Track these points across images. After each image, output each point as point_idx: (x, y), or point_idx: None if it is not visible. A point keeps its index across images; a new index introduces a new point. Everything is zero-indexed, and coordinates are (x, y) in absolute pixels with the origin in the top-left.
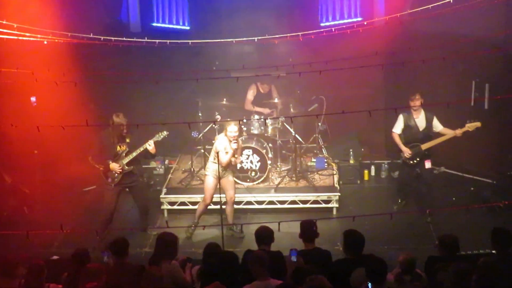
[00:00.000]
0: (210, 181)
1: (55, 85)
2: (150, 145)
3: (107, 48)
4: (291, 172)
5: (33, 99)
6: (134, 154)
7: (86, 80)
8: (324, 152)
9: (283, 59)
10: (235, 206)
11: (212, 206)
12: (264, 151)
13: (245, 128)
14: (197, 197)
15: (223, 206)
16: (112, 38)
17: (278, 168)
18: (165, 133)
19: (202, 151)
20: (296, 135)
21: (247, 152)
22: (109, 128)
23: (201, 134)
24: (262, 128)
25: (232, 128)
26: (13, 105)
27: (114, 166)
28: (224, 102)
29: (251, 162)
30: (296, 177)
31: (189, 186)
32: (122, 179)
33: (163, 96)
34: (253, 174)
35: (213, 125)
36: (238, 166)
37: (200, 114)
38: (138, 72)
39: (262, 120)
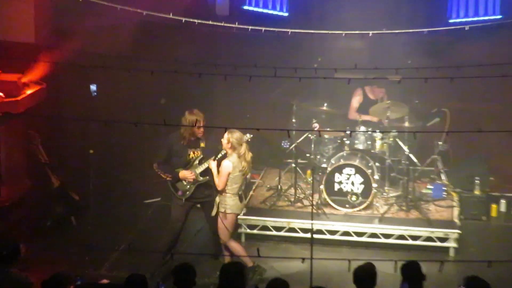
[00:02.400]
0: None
1: (123, 73)
2: (221, 155)
3: (188, 32)
4: (401, 199)
5: (93, 87)
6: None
7: (160, 70)
8: (443, 178)
9: (401, 61)
10: (328, 236)
11: (299, 234)
12: (369, 171)
13: (347, 142)
14: (282, 222)
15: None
16: (196, 20)
17: (385, 194)
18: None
19: (294, 165)
20: (410, 155)
21: (348, 170)
22: (181, 130)
23: (293, 145)
24: (369, 143)
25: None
26: (76, 94)
27: (186, 173)
28: (324, 108)
29: (352, 183)
30: (407, 206)
31: (274, 207)
32: (194, 192)
33: (250, 94)
34: (353, 198)
35: (309, 135)
36: (336, 187)
37: (294, 121)
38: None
39: (370, 133)
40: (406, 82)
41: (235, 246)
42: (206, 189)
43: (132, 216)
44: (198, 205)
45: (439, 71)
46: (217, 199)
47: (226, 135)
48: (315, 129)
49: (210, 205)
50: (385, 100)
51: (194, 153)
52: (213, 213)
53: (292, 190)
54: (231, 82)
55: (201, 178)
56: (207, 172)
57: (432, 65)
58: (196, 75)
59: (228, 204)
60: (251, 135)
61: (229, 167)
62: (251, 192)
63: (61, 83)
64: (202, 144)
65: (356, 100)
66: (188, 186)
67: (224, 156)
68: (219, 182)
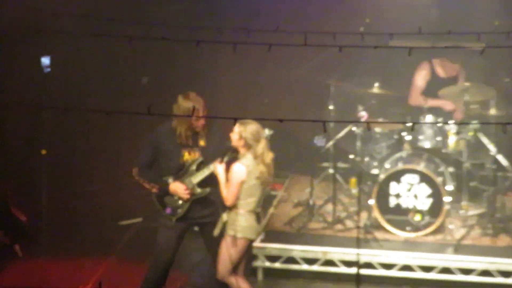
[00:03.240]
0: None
1: (89, 41)
2: (228, 156)
3: None
4: (486, 219)
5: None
6: (212, 168)
7: (142, 37)
8: None
9: (484, 22)
10: (381, 272)
11: (340, 269)
12: (439, 180)
13: (408, 138)
14: (316, 251)
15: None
16: None
17: (462, 211)
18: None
19: (332, 171)
20: (499, 156)
21: (409, 178)
22: (173, 122)
23: (330, 143)
24: (439, 139)
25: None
26: (19, 70)
27: (178, 186)
28: (375, 90)
29: (416, 197)
30: (494, 229)
31: (304, 230)
32: (189, 210)
33: (268, 71)
34: (417, 218)
35: (353, 128)
36: (393, 202)
37: (331, 108)
38: (232, 28)
39: (440, 125)
40: (491, 52)
41: (241, 286)
42: (207, 205)
43: (102, 244)
44: (196, 228)
45: None
46: (225, 216)
47: (236, 128)
48: (362, 119)
49: (213, 227)
50: (461, 79)
51: (190, 154)
52: (216, 232)
53: (329, 207)
54: (243, 54)
55: (200, 190)
56: (209, 181)
57: None
58: (193, 43)
59: (240, 225)
60: (272, 131)
61: (241, 172)
62: (271, 210)
63: None
64: (202, 142)
65: (420, 78)
66: (180, 202)
67: (235, 158)
68: (227, 193)
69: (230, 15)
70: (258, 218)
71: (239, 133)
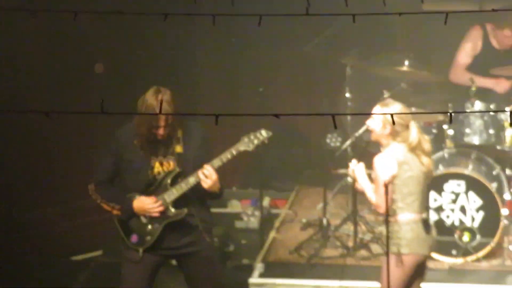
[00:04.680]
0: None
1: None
2: (207, 172)
3: None
4: None
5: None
6: (193, 181)
7: (93, 11)
8: None
9: None
10: None
11: None
12: (493, 186)
13: (451, 132)
14: (334, 286)
15: None
16: None
17: None
18: (263, 134)
19: (351, 180)
20: None
21: (454, 186)
22: (136, 122)
23: (348, 142)
24: (492, 132)
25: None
26: None
27: (143, 201)
28: (405, 68)
29: (462, 210)
30: None
31: (318, 259)
32: (162, 237)
33: (261, 50)
34: (465, 238)
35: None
36: (433, 218)
37: (348, 96)
38: None
39: (492, 113)
40: None
41: None
42: (186, 231)
43: (50, 286)
44: (173, 262)
45: None
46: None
47: (377, 115)
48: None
49: (198, 261)
50: None
51: (162, 165)
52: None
53: (348, 227)
54: (227, 30)
55: (175, 211)
56: (188, 199)
57: None
58: (160, 16)
59: (404, 237)
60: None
61: (390, 166)
62: (272, 233)
63: None
64: (179, 149)
65: (467, 49)
66: (150, 226)
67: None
68: (377, 198)
69: None
70: (427, 226)
71: (383, 121)
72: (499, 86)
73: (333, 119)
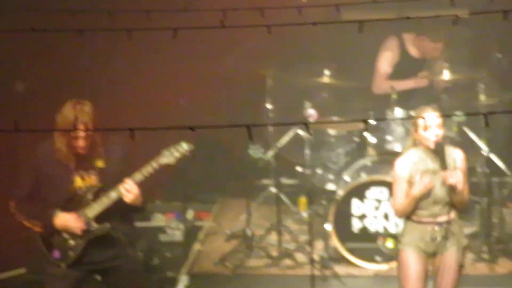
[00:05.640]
0: (411, 262)
1: None
2: (128, 187)
3: None
4: (480, 240)
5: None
6: (114, 196)
7: None
8: None
9: None
10: None
11: None
12: None
13: (373, 139)
14: None
15: None
16: None
17: None
18: (184, 147)
19: (274, 190)
20: (492, 156)
21: (377, 193)
22: (56, 135)
23: (271, 152)
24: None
25: (426, 116)
26: None
27: (65, 218)
28: (326, 79)
29: (386, 217)
30: (492, 253)
31: (243, 270)
32: (85, 252)
33: (181, 63)
34: (389, 244)
35: (299, 131)
36: (356, 226)
37: (269, 107)
38: (125, 11)
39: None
40: (479, 20)
41: None
42: (109, 245)
43: None
44: (98, 277)
45: None
46: (453, 228)
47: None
48: (311, 119)
49: (121, 275)
50: (440, 61)
51: (84, 179)
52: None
53: (273, 237)
54: (145, 43)
55: (97, 225)
56: (111, 214)
57: None
58: (73, 33)
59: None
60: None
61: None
62: (197, 246)
63: None
64: (100, 163)
65: (385, 59)
66: (72, 241)
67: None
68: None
69: None
70: None
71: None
72: (419, 82)
73: (249, 130)
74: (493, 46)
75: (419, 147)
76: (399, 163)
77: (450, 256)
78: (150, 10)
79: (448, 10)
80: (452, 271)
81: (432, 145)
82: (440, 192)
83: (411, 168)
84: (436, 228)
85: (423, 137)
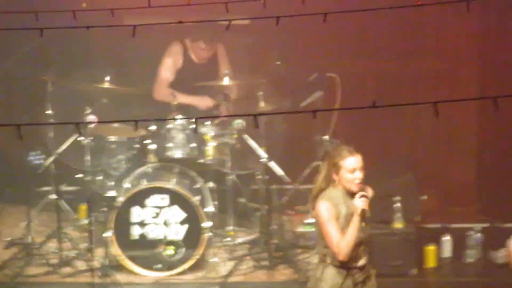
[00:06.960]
0: None
1: None
2: None
3: None
4: (260, 247)
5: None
6: None
7: None
8: None
9: None
10: None
11: None
12: (196, 199)
13: (153, 146)
14: None
15: None
16: None
17: (228, 239)
18: None
19: (54, 197)
20: (272, 163)
21: (157, 200)
22: None
23: (50, 159)
24: (194, 145)
25: (350, 160)
26: None
27: None
28: (106, 83)
29: (166, 224)
30: (271, 260)
31: (22, 278)
32: None
33: None
34: (169, 251)
35: (78, 138)
36: (136, 233)
37: (49, 112)
38: None
39: (193, 125)
40: (257, 24)
41: None
42: None
43: None
44: None
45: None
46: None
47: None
48: (91, 124)
49: None
50: (222, 66)
51: None
52: None
53: (53, 245)
54: None
55: None
56: None
57: None
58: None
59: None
60: None
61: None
62: None
63: None
64: None
65: (169, 65)
66: None
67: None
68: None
69: None
70: None
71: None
72: (202, 103)
73: (19, 132)
74: (271, 53)
75: (337, 187)
76: (322, 205)
77: None
78: None
79: (224, 16)
80: None
81: (355, 188)
82: (361, 233)
83: (335, 208)
84: (356, 272)
85: (347, 180)
